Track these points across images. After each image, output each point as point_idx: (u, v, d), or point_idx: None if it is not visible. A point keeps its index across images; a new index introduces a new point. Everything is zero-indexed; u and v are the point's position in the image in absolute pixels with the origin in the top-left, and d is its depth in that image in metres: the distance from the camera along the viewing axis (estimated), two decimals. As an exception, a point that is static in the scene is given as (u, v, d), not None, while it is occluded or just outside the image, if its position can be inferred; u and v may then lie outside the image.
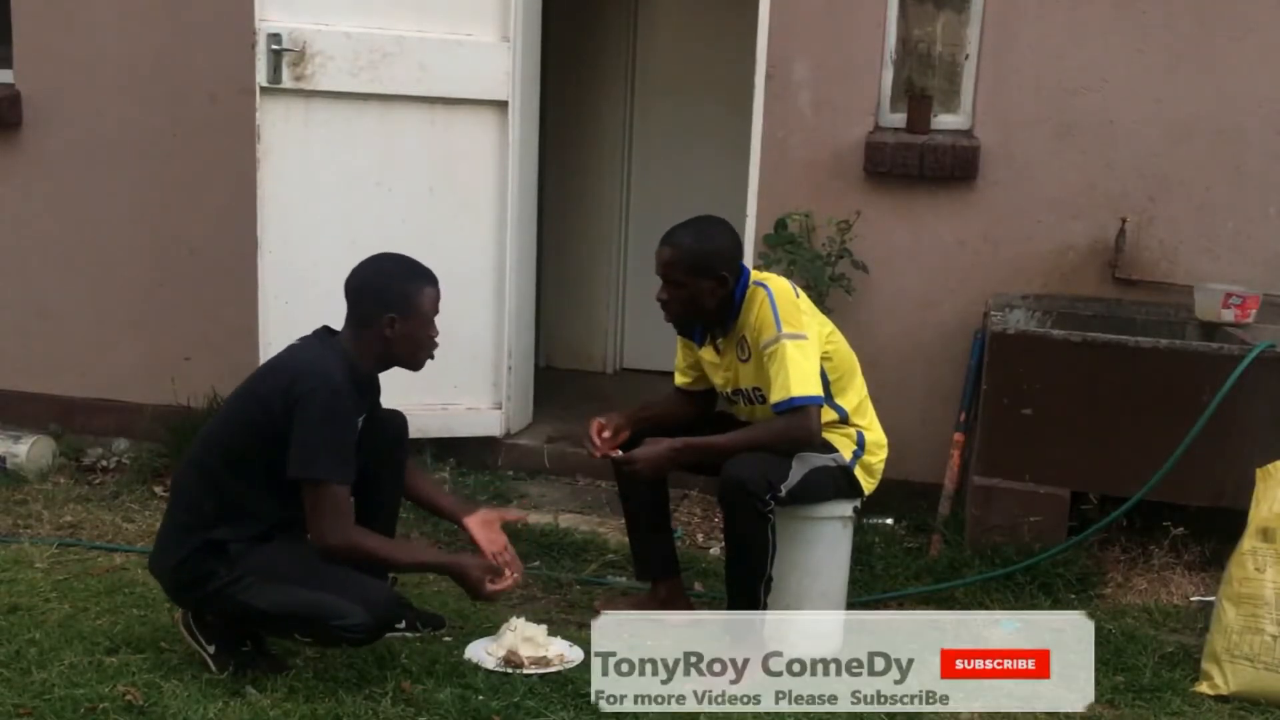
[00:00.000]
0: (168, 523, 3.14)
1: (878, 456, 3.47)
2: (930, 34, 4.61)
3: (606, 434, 3.47)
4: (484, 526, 3.27)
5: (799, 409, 3.23)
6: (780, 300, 3.30)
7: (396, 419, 3.41)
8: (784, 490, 3.22)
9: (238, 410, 3.12)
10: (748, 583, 3.27)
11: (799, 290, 3.41)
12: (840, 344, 3.45)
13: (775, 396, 3.25)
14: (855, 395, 3.46)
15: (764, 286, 3.34)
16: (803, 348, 3.26)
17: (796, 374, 3.23)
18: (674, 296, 3.38)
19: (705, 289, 3.34)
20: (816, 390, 3.26)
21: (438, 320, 3.21)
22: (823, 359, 3.34)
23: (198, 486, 3.07)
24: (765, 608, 3.29)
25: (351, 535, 3.01)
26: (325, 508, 2.98)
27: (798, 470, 3.27)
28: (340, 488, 3.00)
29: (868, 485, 3.45)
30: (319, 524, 2.99)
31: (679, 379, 3.66)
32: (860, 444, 3.42)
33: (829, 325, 3.47)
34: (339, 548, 3.00)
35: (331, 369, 3.02)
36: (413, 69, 4.48)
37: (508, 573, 3.13)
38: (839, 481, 3.38)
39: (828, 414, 3.37)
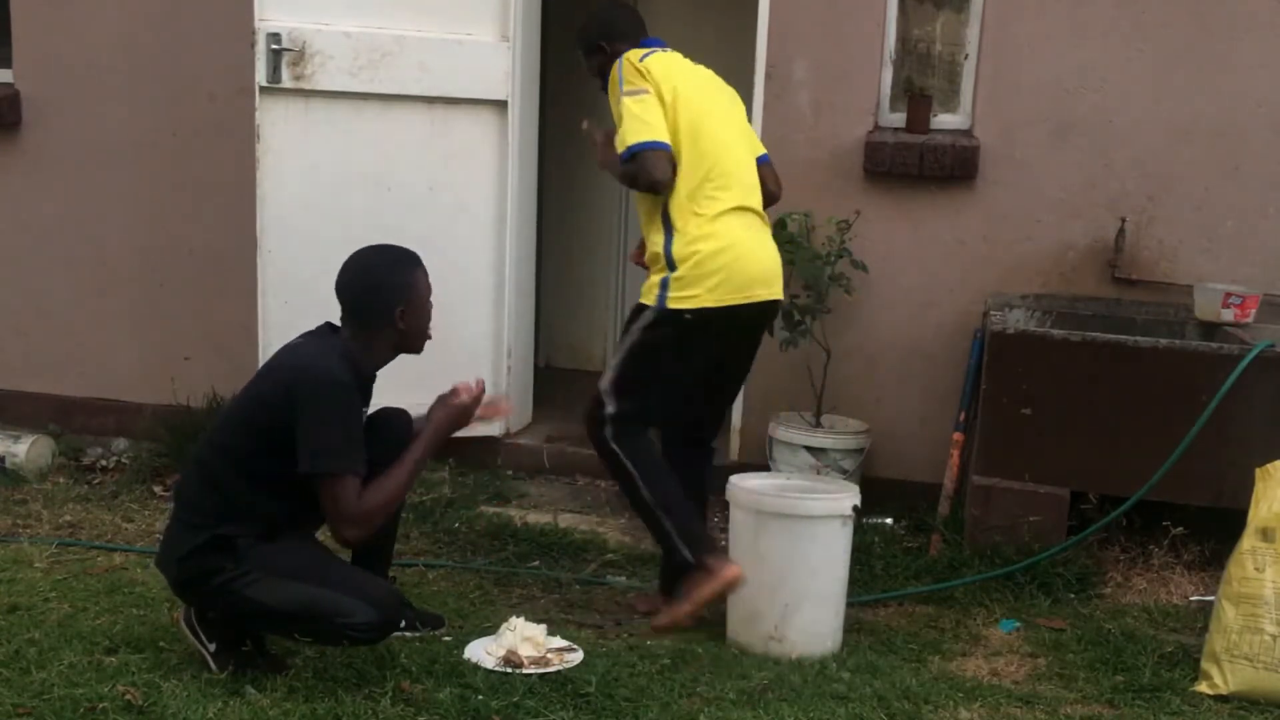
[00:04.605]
0: (173, 521, 3.13)
1: (696, 249, 3.31)
2: (930, 34, 4.61)
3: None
4: (442, 404, 3.22)
5: (636, 155, 3.29)
6: (625, 67, 3.41)
7: (400, 418, 3.40)
8: (606, 384, 3.31)
9: (240, 410, 3.11)
10: (643, 516, 3.36)
11: (654, 55, 3.44)
12: (690, 110, 3.38)
13: (619, 150, 3.33)
14: (693, 177, 3.35)
15: (619, 59, 3.45)
16: (642, 100, 3.33)
17: (633, 124, 3.30)
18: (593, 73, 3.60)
19: (594, 66, 3.59)
20: (655, 136, 3.29)
21: (433, 300, 3.23)
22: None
23: (200, 485, 3.06)
24: (670, 531, 3.33)
25: (363, 506, 2.97)
26: (341, 500, 2.96)
27: (611, 365, 3.38)
28: (354, 479, 2.98)
29: (693, 298, 3.32)
30: (338, 518, 2.98)
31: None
32: (668, 259, 3.34)
33: (690, 90, 3.41)
34: (359, 527, 2.99)
35: (333, 364, 3.00)
36: (412, 69, 4.49)
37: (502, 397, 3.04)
38: (655, 336, 3.36)
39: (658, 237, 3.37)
